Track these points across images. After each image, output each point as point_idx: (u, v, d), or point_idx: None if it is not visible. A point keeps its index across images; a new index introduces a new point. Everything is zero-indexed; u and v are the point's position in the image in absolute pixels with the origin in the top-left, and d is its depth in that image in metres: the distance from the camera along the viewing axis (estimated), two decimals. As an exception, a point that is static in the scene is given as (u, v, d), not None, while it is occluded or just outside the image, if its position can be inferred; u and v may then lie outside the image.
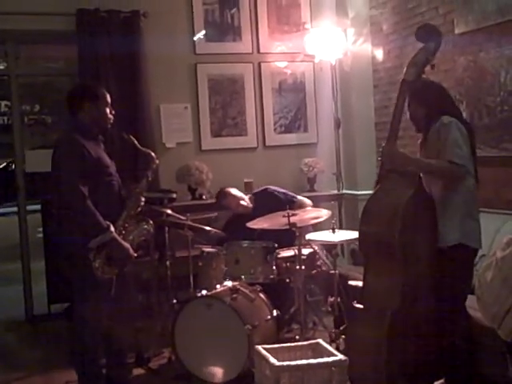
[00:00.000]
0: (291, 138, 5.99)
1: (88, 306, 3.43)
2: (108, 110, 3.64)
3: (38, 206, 5.78)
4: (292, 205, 4.52)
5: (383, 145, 3.36)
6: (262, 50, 5.92)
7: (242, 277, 4.10)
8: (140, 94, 5.39)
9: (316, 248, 4.32)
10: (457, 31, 4.53)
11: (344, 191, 5.82)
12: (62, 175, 3.39)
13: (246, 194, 5.03)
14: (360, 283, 3.46)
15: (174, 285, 4.45)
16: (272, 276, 4.12)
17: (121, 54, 5.28)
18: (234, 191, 4.96)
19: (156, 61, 5.46)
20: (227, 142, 5.82)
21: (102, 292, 3.44)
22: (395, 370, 3.09)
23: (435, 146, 3.23)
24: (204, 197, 5.57)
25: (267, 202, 4.73)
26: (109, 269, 3.42)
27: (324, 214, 4.21)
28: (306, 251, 4.19)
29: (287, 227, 3.98)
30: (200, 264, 4.38)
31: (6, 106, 15.15)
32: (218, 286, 4.06)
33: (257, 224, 4.28)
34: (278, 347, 3.36)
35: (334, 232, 4.09)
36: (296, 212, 4.07)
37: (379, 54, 5.66)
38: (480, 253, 3.24)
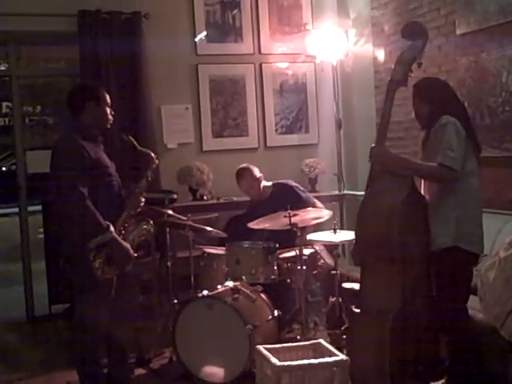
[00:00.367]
0: (292, 139, 5.99)
1: (88, 307, 3.42)
2: (108, 111, 3.65)
3: (39, 207, 5.78)
4: (308, 204, 4.50)
5: (372, 146, 3.35)
6: (263, 51, 5.92)
7: (243, 277, 4.10)
8: (141, 94, 5.39)
9: (317, 248, 4.31)
10: (458, 32, 4.53)
11: (345, 192, 5.82)
12: (62, 176, 3.39)
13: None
14: (355, 285, 3.46)
15: (175, 285, 4.45)
16: (273, 276, 4.12)
17: (122, 55, 5.29)
18: (253, 173, 4.83)
19: (157, 62, 5.47)
20: (228, 143, 5.83)
21: (102, 292, 3.44)
22: (398, 370, 3.08)
23: (434, 147, 3.21)
24: (205, 197, 5.57)
25: (286, 196, 4.65)
26: (109, 269, 3.41)
27: (325, 214, 4.21)
28: (307, 251, 4.19)
29: (288, 227, 3.98)
30: (201, 264, 4.38)
31: (7, 107, 15.17)
32: (219, 287, 4.06)
33: (258, 224, 4.28)
34: (280, 347, 3.35)
35: (335, 232, 4.09)
36: (297, 212, 4.06)
37: (380, 54, 5.65)
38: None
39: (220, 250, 4.35)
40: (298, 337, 4.00)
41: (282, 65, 5.98)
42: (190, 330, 3.87)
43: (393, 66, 3.34)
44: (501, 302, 1.49)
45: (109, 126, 3.68)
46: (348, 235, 4.04)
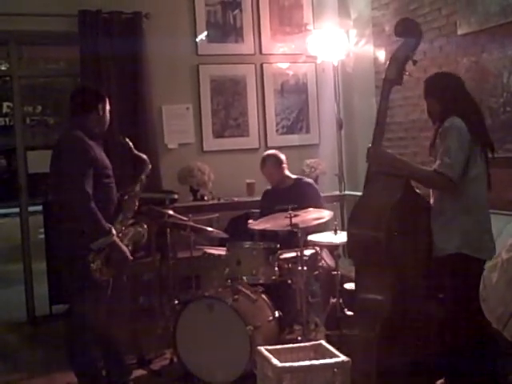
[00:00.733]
0: (293, 139, 5.99)
1: (86, 308, 3.42)
2: (108, 114, 3.66)
3: (40, 207, 5.78)
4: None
5: (369, 146, 3.33)
6: (264, 51, 5.92)
7: (244, 278, 4.09)
8: (142, 95, 5.39)
9: (318, 249, 4.31)
10: (459, 32, 4.53)
11: (346, 192, 5.82)
12: (68, 174, 3.37)
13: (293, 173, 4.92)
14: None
15: (175, 286, 4.44)
16: (274, 277, 4.11)
17: (123, 55, 5.29)
18: (278, 159, 4.79)
19: (158, 62, 5.47)
20: (229, 143, 5.83)
21: (99, 293, 3.44)
22: (386, 376, 3.06)
23: (438, 150, 3.16)
24: (206, 198, 5.56)
25: (307, 194, 4.65)
26: (107, 271, 3.41)
27: (326, 214, 4.20)
28: (307, 252, 4.18)
29: (289, 228, 3.98)
30: (202, 265, 4.37)
31: (7, 107, 15.17)
32: (219, 287, 4.05)
33: (258, 225, 4.27)
34: (280, 348, 3.34)
35: (336, 233, 4.08)
36: (298, 213, 4.06)
37: (381, 55, 5.64)
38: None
39: (221, 251, 4.34)
40: (299, 338, 3.99)
41: (283, 65, 5.98)
42: (190, 331, 3.86)
43: (386, 65, 3.31)
44: (503, 303, 1.49)
45: (105, 130, 3.69)
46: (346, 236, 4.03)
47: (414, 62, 3.27)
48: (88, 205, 3.32)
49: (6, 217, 12.38)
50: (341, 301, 4.02)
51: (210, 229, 4.48)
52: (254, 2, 5.88)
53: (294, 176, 4.85)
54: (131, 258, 3.56)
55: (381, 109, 3.29)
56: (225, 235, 4.58)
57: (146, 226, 3.74)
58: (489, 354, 3.09)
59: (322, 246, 4.29)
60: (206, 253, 4.38)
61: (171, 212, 4.37)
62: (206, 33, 5.75)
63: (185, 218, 4.38)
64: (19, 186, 5.59)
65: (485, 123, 3.30)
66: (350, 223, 3.37)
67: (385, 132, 3.37)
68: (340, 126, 5.74)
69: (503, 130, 4.14)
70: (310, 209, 4.21)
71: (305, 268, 3.97)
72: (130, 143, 3.74)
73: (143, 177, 3.75)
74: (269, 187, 4.91)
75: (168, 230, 4.40)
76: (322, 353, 3.25)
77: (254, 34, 5.89)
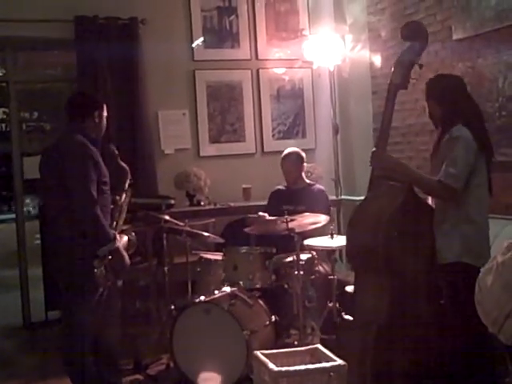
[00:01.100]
0: (289, 144, 5.94)
1: (82, 313, 3.40)
2: (104, 121, 3.66)
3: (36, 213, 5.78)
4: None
5: (373, 149, 3.32)
6: (260, 57, 5.93)
7: (241, 282, 4.09)
8: (138, 100, 5.39)
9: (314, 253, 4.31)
10: (455, 37, 4.55)
11: (342, 197, 5.82)
12: (73, 178, 3.34)
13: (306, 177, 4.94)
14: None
15: (172, 291, 4.44)
16: (270, 282, 4.11)
17: (119, 61, 5.29)
18: (299, 158, 4.79)
19: (154, 67, 5.47)
20: (225, 148, 5.83)
21: (96, 299, 3.44)
22: (381, 380, 3.06)
23: (442, 158, 3.12)
24: (202, 203, 5.56)
25: (319, 200, 4.64)
26: (109, 277, 3.42)
27: (322, 219, 4.20)
28: (304, 256, 4.18)
29: (286, 233, 3.98)
30: (198, 270, 4.37)
31: (4, 112, 15.15)
32: (216, 292, 4.05)
33: (254, 230, 4.28)
34: (277, 352, 3.34)
35: (332, 238, 4.09)
36: (294, 217, 4.06)
37: (377, 60, 5.66)
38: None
39: (217, 256, 4.34)
40: (296, 342, 3.99)
41: (279, 70, 5.99)
42: (187, 336, 3.86)
43: (392, 69, 3.31)
44: (498, 307, 1.49)
45: (101, 136, 3.68)
46: (345, 240, 4.03)
47: (420, 66, 3.25)
48: (94, 210, 3.29)
49: (2, 222, 12.34)
50: (337, 305, 4.03)
51: (206, 234, 4.48)
52: (250, 7, 5.90)
53: (307, 180, 4.86)
54: (129, 264, 3.56)
55: (386, 113, 3.26)
56: (221, 240, 4.58)
57: (133, 234, 3.73)
58: (487, 359, 3.08)
59: (317, 250, 4.29)
60: (202, 258, 4.39)
61: (167, 217, 4.38)
62: (202, 38, 5.76)
63: (181, 223, 4.38)
64: (15, 191, 5.59)
65: (486, 128, 3.28)
66: (350, 227, 3.35)
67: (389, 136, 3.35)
68: (336, 131, 5.75)
69: (499, 134, 4.15)
70: (307, 213, 4.21)
71: (301, 272, 3.98)
72: (117, 152, 3.71)
73: (126, 187, 3.72)
74: (279, 187, 4.89)
75: (164, 235, 4.40)
76: (319, 357, 3.25)
77: (250, 40, 5.90)
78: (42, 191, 3.60)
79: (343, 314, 3.38)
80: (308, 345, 3.59)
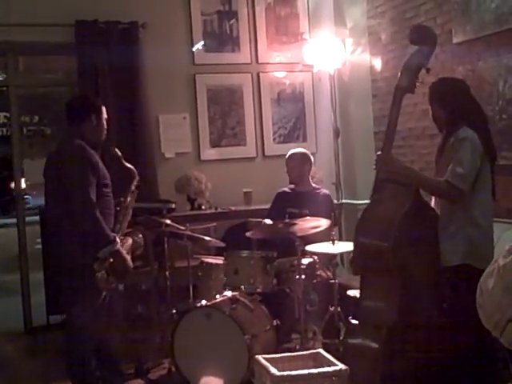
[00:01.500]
0: (290, 148, 5.95)
1: (84, 317, 3.41)
2: (105, 124, 3.68)
3: (37, 217, 5.77)
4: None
5: (378, 153, 3.32)
6: (260, 61, 5.94)
7: (242, 287, 4.08)
8: (139, 104, 5.40)
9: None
10: (455, 41, 4.55)
11: (343, 201, 5.81)
12: (72, 182, 3.37)
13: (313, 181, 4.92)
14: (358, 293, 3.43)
15: (173, 295, 4.43)
16: (271, 286, 4.11)
17: (119, 65, 5.30)
18: (304, 158, 4.80)
19: (155, 71, 5.47)
20: (226, 152, 5.83)
21: (98, 303, 3.44)
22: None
23: (448, 161, 3.13)
24: (203, 207, 5.56)
25: (324, 205, 4.63)
26: (110, 280, 3.42)
27: (323, 223, 4.20)
28: (305, 261, 4.18)
29: (286, 236, 3.98)
30: (199, 274, 4.36)
31: (5, 117, 15.17)
32: (217, 296, 4.05)
33: (255, 234, 4.27)
34: (279, 357, 3.34)
35: (333, 244, 4.08)
36: (295, 221, 4.06)
37: (377, 63, 5.67)
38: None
39: (218, 260, 4.34)
40: (297, 346, 3.98)
41: (280, 74, 6.00)
42: (188, 340, 3.85)
43: (399, 73, 3.30)
44: (500, 310, 1.48)
45: (102, 139, 3.70)
46: (346, 246, 4.03)
47: (428, 70, 3.24)
48: (93, 213, 3.32)
49: (3, 227, 12.34)
50: (339, 309, 4.02)
51: (207, 238, 4.48)
52: (251, 11, 5.90)
53: (313, 184, 4.86)
54: (132, 267, 3.57)
55: (392, 116, 3.23)
56: (222, 244, 4.58)
57: (141, 236, 3.75)
58: (489, 363, 3.08)
59: (319, 256, 4.29)
60: (203, 262, 4.38)
61: (168, 221, 4.37)
62: (202, 42, 5.76)
63: (182, 228, 4.38)
64: (16, 196, 5.59)
65: (490, 130, 3.29)
66: (358, 232, 3.34)
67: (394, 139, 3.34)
68: (337, 135, 5.75)
69: (499, 137, 4.15)
70: (308, 217, 4.21)
71: (303, 277, 3.97)
72: (120, 154, 3.74)
73: (133, 187, 3.76)
74: (285, 189, 4.89)
75: (165, 239, 4.39)
76: (321, 361, 3.25)
77: (250, 44, 5.90)
78: (45, 195, 3.60)
79: (350, 318, 3.36)
80: (310, 349, 3.59)
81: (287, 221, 4.00)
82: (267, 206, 4.92)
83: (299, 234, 3.99)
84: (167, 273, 4.41)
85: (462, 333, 3.04)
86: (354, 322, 3.31)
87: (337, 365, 3.13)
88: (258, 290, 4.11)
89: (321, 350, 3.38)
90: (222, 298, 4.01)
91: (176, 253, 4.56)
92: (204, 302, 3.95)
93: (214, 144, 5.82)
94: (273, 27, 5.98)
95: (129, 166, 3.80)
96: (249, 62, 5.91)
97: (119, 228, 3.61)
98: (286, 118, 6.04)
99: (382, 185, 3.31)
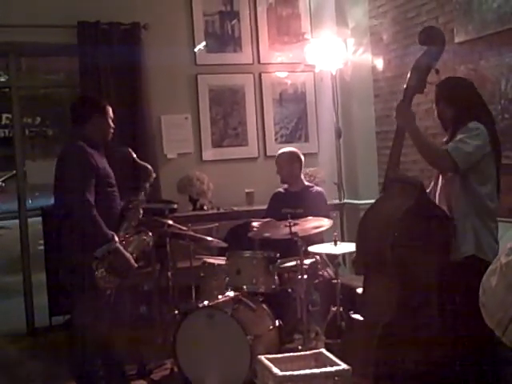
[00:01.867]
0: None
1: (88, 317, 3.41)
2: (111, 123, 3.70)
3: (39, 219, 5.76)
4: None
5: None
6: (262, 61, 5.94)
7: (244, 287, 4.08)
8: (141, 105, 5.40)
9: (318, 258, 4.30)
10: (457, 40, 4.54)
11: (345, 201, 5.82)
12: (70, 183, 3.41)
13: (305, 179, 4.91)
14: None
15: (175, 296, 4.43)
16: (274, 286, 4.10)
17: (121, 66, 5.30)
18: (292, 157, 4.79)
19: (157, 72, 5.48)
20: (228, 153, 5.83)
21: (101, 302, 3.44)
22: (384, 381, 3.05)
23: None
24: (205, 207, 5.56)
25: (316, 202, 4.64)
26: (111, 279, 3.42)
27: (326, 223, 4.20)
28: (307, 261, 4.17)
29: (289, 237, 3.98)
30: (202, 275, 4.36)
31: (7, 118, 15.19)
32: (219, 297, 4.05)
33: (258, 234, 4.27)
34: (281, 357, 3.34)
35: (335, 245, 4.07)
36: (297, 221, 4.06)
37: (379, 63, 5.66)
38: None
39: (220, 260, 4.34)
40: (300, 347, 3.98)
41: (282, 74, 5.99)
42: (190, 341, 3.85)
43: (408, 74, 3.30)
44: (503, 308, 1.48)
45: (109, 139, 3.72)
46: (349, 247, 4.03)
47: (437, 71, 3.26)
48: (89, 212, 3.35)
49: (6, 228, 12.34)
50: (341, 309, 4.02)
51: (209, 238, 4.48)
52: (252, 11, 5.90)
53: (306, 182, 4.85)
54: (135, 265, 3.58)
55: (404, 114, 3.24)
56: (224, 244, 4.57)
57: (150, 234, 3.77)
58: (490, 361, 3.07)
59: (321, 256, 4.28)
60: (205, 262, 4.38)
61: (171, 222, 4.37)
62: (204, 43, 5.76)
63: (184, 228, 4.38)
64: (18, 196, 5.59)
65: (496, 130, 3.30)
66: (361, 227, 3.36)
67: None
68: (339, 135, 5.75)
69: (501, 136, 4.12)
70: (310, 217, 4.20)
71: (305, 277, 3.97)
72: (133, 153, 3.78)
73: (147, 185, 3.80)
74: (279, 189, 4.91)
75: (167, 239, 4.39)
76: (323, 361, 3.25)
77: (252, 44, 5.90)
78: (54, 197, 3.67)
79: (351, 312, 3.36)
80: (312, 349, 3.59)
81: (290, 221, 3.99)
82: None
83: (301, 234, 3.98)
84: (169, 273, 4.41)
85: (464, 333, 3.04)
86: (355, 316, 3.31)
87: (339, 365, 3.12)
88: (261, 290, 4.11)
89: (323, 350, 3.38)
90: (224, 299, 4.01)
91: (178, 253, 4.56)
92: (206, 303, 3.94)
93: (216, 144, 5.82)
94: (274, 27, 5.98)
95: (143, 164, 3.84)
96: (251, 62, 5.91)
97: (127, 226, 3.63)
98: (287, 118, 6.04)
99: (391, 184, 3.32)
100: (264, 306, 4.07)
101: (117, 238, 3.45)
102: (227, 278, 4.15)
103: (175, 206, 5.09)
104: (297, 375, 3.04)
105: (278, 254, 4.16)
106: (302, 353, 3.51)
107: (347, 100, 5.88)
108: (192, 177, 5.46)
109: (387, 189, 3.36)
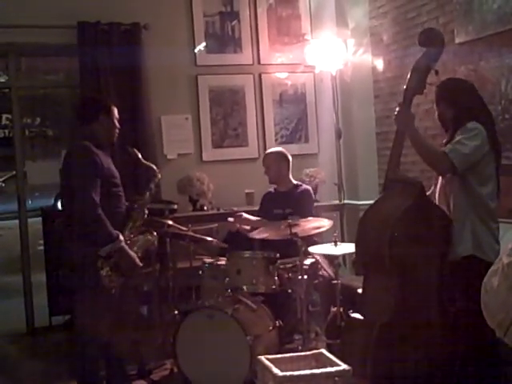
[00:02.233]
0: (292, 149, 5.93)
1: (91, 317, 3.42)
2: (116, 124, 3.73)
3: (39, 219, 5.77)
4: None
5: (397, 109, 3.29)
6: (262, 62, 5.94)
7: (244, 287, 4.08)
8: (141, 105, 5.40)
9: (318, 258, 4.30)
10: (457, 41, 4.54)
11: (345, 201, 5.82)
12: (75, 183, 3.43)
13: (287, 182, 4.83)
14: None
15: (175, 296, 4.43)
16: (274, 286, 4.10)
17: (122, 66, 5.29)
18: (278, 157, 4.78)
19: (157, 72, 5.48)
20: (228, 153, 5.83)
21: (105, 302, 3.45)
22: (381, 381, 3.05)
23: None
24: (205, 208, 5.56)
25: (301, 199, 4.63)
26: (115, 277, 3.44)
27: (326, 224, 4.20)
28: (307, 261, 4.17)
29: (289, 237, 3.98)
30: (201, 275, 4.36)
31: (7, 118, 15.19)
32: (219, 297, 4.05)
33: (258, 234, 4.27)
34: (281, 357, 3.33)
35: (336, 245, 4.07)
36: (298, 222, 4.05)
37: (379, 64, 5.66)
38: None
39: (220, 261, 4.33)
40: (300, 347, 3.97)
41: (282, 75, 5.99)
42: (190, 341, 3.85)
43: (408, 75, 3.31)
44: (505, 309, 1.48)
45: (114, 139, 3.76)
46: (349, 247, 4.03)
47: (436, 72, 3.27)
48: (95, 212, 3.37)
49: (5, 228, 12.34)
50: (341, 310, 4.02)
51: (209, 239, 4.48)
52: (252, 12, 5.90)
53: (294, 182, 4.86)
54: (140, 264, 3.61)
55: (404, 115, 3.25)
56: (224, 245, 4.58)
57: (155, 234, 3.80)
58: (490, 361, 3.08)
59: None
60: (205, 263, 4.38)
61: (171, 222, 4.38)
62: (204, 43, 5.77)
63: (184, 228, 4.38)
64: (18, 197, 5.59)
65: (496, 130, 3.31)
66: (360, 226, 3.37)
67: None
68: (339, 135, 5.75)
69: (502, 137, 4.12)
70: (310, 218, 4.20)
71: (305, 277, 3.97)
72: (138, 153, 3.82)
73: (152, 185, 3.83)
74: (270, 189, 4.92)
75: (167, 240, 4.40)
76: (323, 362, 3.24)
77: (252, 45, 5.91)
78: (61, 197, 3.76)
79: (350, 312, 3.36)
80: (312, 349, 3.58)
81: (289, 221, 3.99)
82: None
83: (301, 235, 3.98)
84: (169, 274, 4.41)
85: (465, 333, 3.04)
86: (355, 316, 3.32)
87: (339, 365, 3.12)
88: (261, 291, 4.11)
89: (323, 351, 3.37)
90: (224, 299, 4.01)
91: (178, 254, 4.56)
92: (206, 303, 3.94)
93: (216, 145, 5.83)
94: (275, 28, 5.98)
95: (148, 164, 3.88)
96: (251, 62, 5.91)
97: (132, 226, 3.65)
98: (287, 119, 6.04)
99: (391, 184, 3.32)
100: (264, 306, 4.07)
101: (122, 238, 3.47)
102: (227, 279, 4.15)
103: (175, 206, 5.08)
104: (297, 375, 3.03)
105: (278, 255, 4.16)
106: (302, 353, 3.50)
107: (347, 101, 5.88)
108: (192, 177, 5.46)
109: (387, 189, 3.37)
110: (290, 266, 4.17)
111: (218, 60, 5.80)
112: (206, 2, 5.76)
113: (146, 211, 3.77)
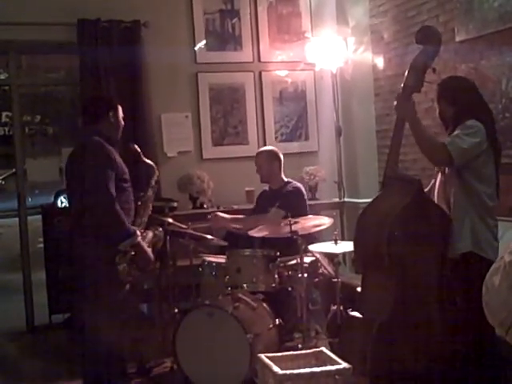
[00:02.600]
0: (292, 147, 5.98)
1: (103, 316, 3.40)
2: (121, 122, 3.79)
3: (39, 217, 5.76)
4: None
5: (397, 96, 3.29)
6: (262, 59, 5.93)
7: (244, 285, 4.08)
8: (141, 103, 5.39)
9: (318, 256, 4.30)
10: (457, 39, 4.54)
11: (345, 199, 5.81)
12: (93, 178, 3.43)
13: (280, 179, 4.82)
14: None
15: (175, 294, 4.43)
16: (274, 284, 4.10)
17: (122, 64, 5.29)
18: (270, 156, 4.79)
19: (157, 70, 5.47)
20: (228, 151, 5.83)
21: (114, 300, 3.45)
22: (380, 379, 3.05)
23: None
24: (205, 206, 5.56)
25: (291, 197, 4.62)
26: (132, 272, 3.50)
27: (326, 222, 4.20)
28: (308, 259, 4.17)
29: (289, 235, 3.97)
30: (201, 273, 4.35)
31: (7, 116, 15.19)
32: (219, 295, 4.04)
33: (258, 232, 4.26)
34: (281, 356, 3.34)
35: (336, 244, 4.07)
36: (298, 220, 4.05)
37: (380, 62, 5.66)
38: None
39: (220, 259, 4.33)
40: (300, 345, 3.97)
41: (282, 73, 5.99)
42: (190, 339, 3.85)
43: (406, 73, 3.31)
44: (506, 308, 1.48)
45: (119, 137, 3.79)
46: (349, 246, 4.02)
47: (434, 70, 3.27)
48: (113, 207, 3.40)
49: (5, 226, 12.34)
50: (341, 308, 4.01)
51: (209, 237, 4.47)
52: (253, 10, 5.90)
53: (286, 179, 4.85)
54: (153, 259, 3.67)
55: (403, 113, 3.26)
56: (224, 243, 4.57)
57: (160, 229, 3.88)
58: (490, 360, 3.08)
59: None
60: (205, 261, 4.37)
61: (171, 220, 4.37)
62: (204, 41, 5.76)
63: (184, 226, 4.38)
64: (18, 194, 5.59)
65: (495, 129, 3.32)
66: (358, 225, 3.37)
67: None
68: (339, 133, 5.74)
69: (502, 135, 4.12)
70: (310, 216, 4.20)
71: (305, 275, 3.96)
72: (139, 150, 3.86)
73: (153, 182, 3.87)
74: (265, 188, 4.93)
75: (167, 238, 4.39)
76: (323, 360, 3.25)
77: (252, 42, 5.90)
78: (67, 194, 3.74)
79: (349, 310, 3.37)
80: (312, 348, 3.58)
81: (290, 219, 3.99)
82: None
83: (301, 233, 3.98)
84: (169, 272, 4.41)
85: (471, 329, 3.04)
86: (354, 314, 3.32)
87: (340, 363, 3.12)
88: (261, 289, 4.11)
89: (323, 349, 3.38)
90: (224, 297, 4.01)
91: (178, 251, 4.56)
92: (206, 301, 3.94)
93: (216, 143, 5.82)
94: (275, 26, 5.97)
95: (148, 161, 3.92)
96: (251, 60, 5.90)
97: (140, 222, 3.72)
98: (288, 117, 6.04)
99: (390, 182, 3.33)
100: (264, 304, 4.07)
101: (139, 233, 3.52)
102: (227, 277, 4.15)
103: (175, 204, 5.08)
104: (297, 374, 3.04)
105: (278, 253, 4.16)
106: (303, 351, 3.51)
107: (347, 99, 5.88)
108: (192, 175, 5.46)
109: (386, 186, 3.37)
110: (290, 264, 4.16)
111: (218, 58, 5.79)
112: (206, 0, 5.75)
113: (151, 207, 3.84)
